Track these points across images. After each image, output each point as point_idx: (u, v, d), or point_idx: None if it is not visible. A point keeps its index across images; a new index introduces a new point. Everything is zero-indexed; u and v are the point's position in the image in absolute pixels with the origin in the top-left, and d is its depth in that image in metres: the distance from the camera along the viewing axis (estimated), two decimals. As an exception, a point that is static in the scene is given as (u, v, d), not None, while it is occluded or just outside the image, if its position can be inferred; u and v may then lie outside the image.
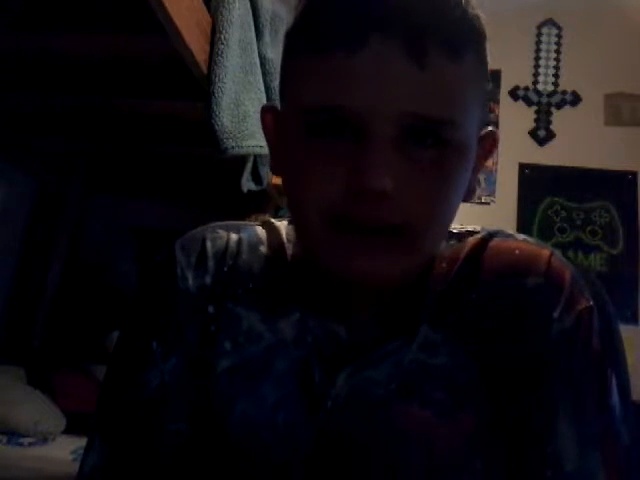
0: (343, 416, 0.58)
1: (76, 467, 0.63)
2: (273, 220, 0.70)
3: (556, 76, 2.77)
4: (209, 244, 0.66)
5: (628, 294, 2.48)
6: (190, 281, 0.64)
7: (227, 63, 1.34)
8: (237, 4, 1.36)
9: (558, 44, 2.78)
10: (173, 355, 0.63)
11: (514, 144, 2.60)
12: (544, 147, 2.69)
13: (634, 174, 2.60)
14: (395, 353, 0.58)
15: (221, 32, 1.32)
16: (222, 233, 0.67)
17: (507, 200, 2.63)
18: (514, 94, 2.76)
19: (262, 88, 1.58)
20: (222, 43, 1.32)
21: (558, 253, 0.61)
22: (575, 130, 2.67)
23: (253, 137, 1.49)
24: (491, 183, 2.65)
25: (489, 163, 2.56)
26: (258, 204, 1.92)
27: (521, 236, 0.63)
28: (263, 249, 0.66)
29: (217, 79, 1.32)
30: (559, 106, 2.73)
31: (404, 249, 0.53)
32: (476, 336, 0.59)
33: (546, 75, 2.77)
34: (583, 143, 2.64)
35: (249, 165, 1.64)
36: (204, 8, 1.31)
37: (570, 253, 2.54)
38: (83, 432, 1.52)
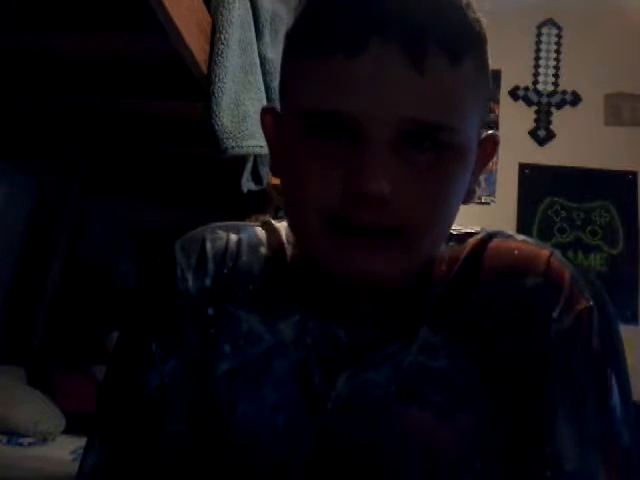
0: (343, 418, 0.58)
1: (76, 467, 0.63)
2: (273, 221, 0.70)
3: (556, 76, 2.77)
4: (209, 245, 0.66)
5: (628, 294, 2.48)
6: (190, 283, 0.64)
7: (227, 63, 1.34)
8: (237, 4, 1.36)
9: (558, 44, 2.78)
10: (172, 357, 0.62)
11: (514, 144, 2.60)
12: (544, 147, 2.69)
13: (634, 174, 2.60)
14: (395, 355, 0.58)
15: (221, 32, 1.32)
16: (222, 234, 0.67)
17: (507, 200, 2.63)
18: (514, 94, 2.76)
19: (262, 88, 1.58)
20: (222, 43, 1.32)
21: (558, 253, 0.61)
22: (575, 130, 2.67)
23: (253, 137, 1.49)
24: (491, 183, 2.65)
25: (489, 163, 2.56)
26: (258, 204, 1.92)
27: (521, 236, 0.63)
28: (263, 250, 0.66)
29: (217, 79, 1.32)
30: (559, 106, 2.73)
31: (403, 249, 0.53)
32: (476, 336, 0.59)
33: (546, 75, 2.77)
34: (583, 143, 2.64)
35: (249, 165, 1.64)
36: (204, 8, 1.31)
37: (570, 253, 2.54)
38: (83, 432, 1.52)
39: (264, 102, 1.58)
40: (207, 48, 1.33)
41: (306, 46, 0.53)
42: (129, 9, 1.30)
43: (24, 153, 2.18)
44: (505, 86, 2.75)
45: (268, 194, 1.91)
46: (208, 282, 0.64)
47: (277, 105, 0.62)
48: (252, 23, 1.50)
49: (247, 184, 1.67)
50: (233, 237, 0.67)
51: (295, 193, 0.55)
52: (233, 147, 1.41)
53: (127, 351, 0.65)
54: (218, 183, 2.02)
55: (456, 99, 0.51)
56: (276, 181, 1.80)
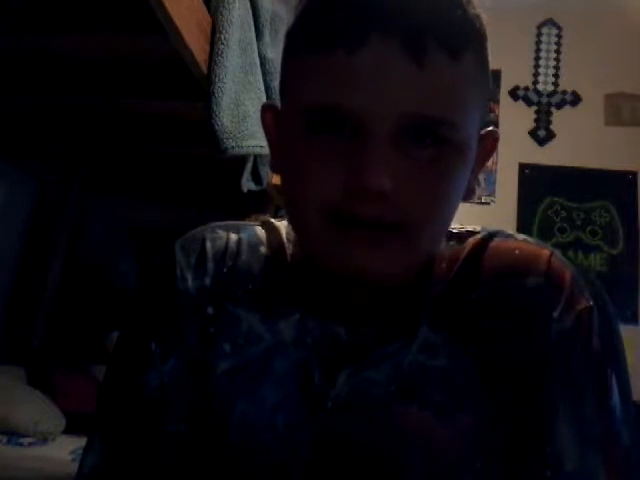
0: (343, 417, 0.58)
1: (76, 467, 0.63)
2: (273, 220, 0.70)
3: (556, 76, 2.77)
4: (209, 244, 0.66)
5: (628, 294, 2.48)
6: (190, 282, 0.64)
7: (227, 63, 1.34)
8: (237, 4, 1.37)
9: (558, 44, 2.78)
10: (172, 356, 0.62)
11: (514, 144, 2.60)
12: (544, 147, 2.70)
13: (634, 174, 2.61)
14: (395, 354, 0.58)
15: (221, 32, 1.33)
16: (222, 233, 0.67)
17: (507, 200, 2.63)
18: (514, 94, 2.77)
19: (262, 88, 1.58)
20: (222, 43, 1.32)
21: (558, 253, 0.61)
22: (575, 130, 2.67)
23: (253, 137, 1.49)
24: (491, 183, 2.65)
25: (489, 163, 2.56)
26: (258, 204, 1.92)
27: (521, 236, 0.63)
28: (263, 249, 0.66)
29: (217, 79, 1.32)
30: (559, 106, 2.74)
31: (402, 243, 0.53)
32: (476, 336, 0.59)
33: (546, 75, 2.78)
34: (583, 143, 2.64)
35: (249, 165, 1.64)
36: (204, 8, 1.31)
37: (570, 253, 2.54)
38: (83, 432, 1.52)
39: (264, 102, 1.58)
40: (207, 48, 1.33)
41: (306, 42, 0.53)
42: (129, 9, 1.30)
43: (24, 153, 2.18)
44: (505, 86, 2.76)
45: (268, 194, 1.91)
46: (208, 281, 0.64)
47: (277, 104, 0.62)
48: (252, 23, 1.50)
49: (247, 184, 1.67)
50: (233, 236, 0.67)
51: (296, 189, 0.55)
52: (233, 147, 1.41)
53: (127, 351, 0.65)
54: (218, 183, 2.02)
55: (456, 94, 0.51)
56: (276, 181, 1.80)
